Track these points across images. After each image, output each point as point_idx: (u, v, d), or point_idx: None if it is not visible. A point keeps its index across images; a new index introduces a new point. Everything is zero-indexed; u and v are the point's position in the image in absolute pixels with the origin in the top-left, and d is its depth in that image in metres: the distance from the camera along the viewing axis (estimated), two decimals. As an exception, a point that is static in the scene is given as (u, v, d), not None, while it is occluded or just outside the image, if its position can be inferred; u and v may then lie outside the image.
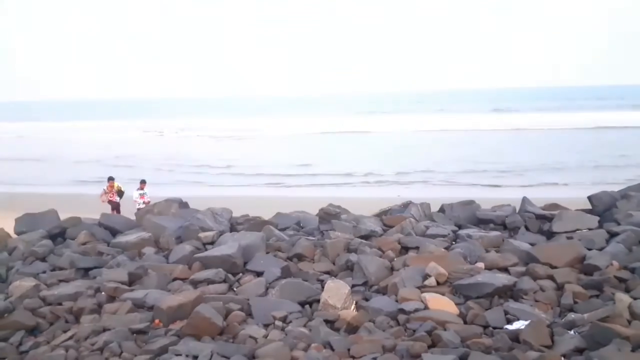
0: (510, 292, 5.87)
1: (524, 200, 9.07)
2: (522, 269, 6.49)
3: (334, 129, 42.08)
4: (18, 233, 8.84)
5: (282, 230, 8.92)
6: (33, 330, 5.45)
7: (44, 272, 7.16)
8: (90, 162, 27.74)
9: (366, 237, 8.11)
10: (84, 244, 8.24)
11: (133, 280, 6.64)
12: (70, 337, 5.16)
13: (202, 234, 8.32)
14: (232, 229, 9.10)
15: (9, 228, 9.00)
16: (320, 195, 15.92)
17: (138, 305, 5.86)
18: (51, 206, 10.04)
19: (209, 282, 6.58)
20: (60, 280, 6.73)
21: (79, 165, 26.50)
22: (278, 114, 70.01)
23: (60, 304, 5.92)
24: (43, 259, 7.61)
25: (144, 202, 11.10)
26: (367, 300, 5.99)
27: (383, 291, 6.26)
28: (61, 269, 7.27)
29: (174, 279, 6.81)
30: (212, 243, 8.13)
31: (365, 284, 6.56)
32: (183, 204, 10.20)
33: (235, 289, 6.57)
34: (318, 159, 26.46)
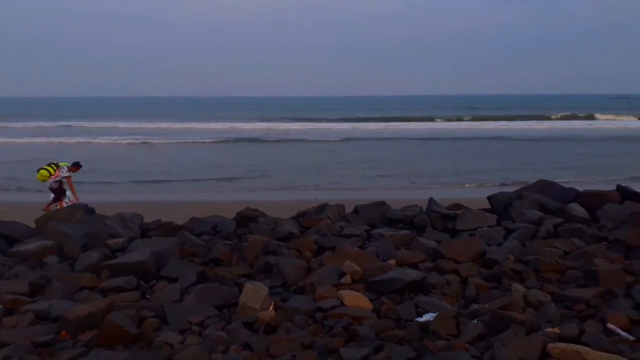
0: (419, 287, 6.20)
1: (431, 200, 9.63)
2: (430, 264, 6.89)
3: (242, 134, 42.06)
4: None
5: (197, 235, 8.73)
6: None
7: None
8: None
9: (284, 239, 8.17)
10: (-24, 254, 7.54)
11: (35, 291, 6.18)
12: (-37, 355, 4.71)
13: (110, 241, 7.93)
14: (144, 235, 8.76)
15: None
16: (235, 199, 15.81)
17: (41, 317, 5.48)
18: None
19: (120, 289, 6.30)
20: (-52, 295, 6.11)
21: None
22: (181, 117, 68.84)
23: (-52, 320, 5.38)
24: None
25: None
26: (285, 300, 6.06)
27: (301, 291, 6.36)
28: (-51, 282, 6.60)
29: (82, 288, 6.44)
30: (122, 250, 7.77)
31: (283, 285, 6.63)
32: (89, 210, 9.68)
33: (148, 296, 6.35)
34: (229, 162, 26.25)
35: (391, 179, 20.55)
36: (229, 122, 59.49)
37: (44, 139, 39.44)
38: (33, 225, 9.05)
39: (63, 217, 9.04)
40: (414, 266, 6.89)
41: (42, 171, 10.62)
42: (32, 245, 7.84)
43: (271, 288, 6.39)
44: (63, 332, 5.16)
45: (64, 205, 10.97)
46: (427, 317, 5.40)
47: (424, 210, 9.41)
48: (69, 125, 55.50)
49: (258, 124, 57.22)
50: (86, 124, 57.48)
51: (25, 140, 39.42)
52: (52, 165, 10.81)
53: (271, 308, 5.82)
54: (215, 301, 6.02)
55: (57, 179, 11.08)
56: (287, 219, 9.46)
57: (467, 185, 19.00)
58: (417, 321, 5.34)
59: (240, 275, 7.00)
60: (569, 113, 67.20)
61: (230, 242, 8.21)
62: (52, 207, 11.01)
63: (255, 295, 5.80)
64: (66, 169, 10.87)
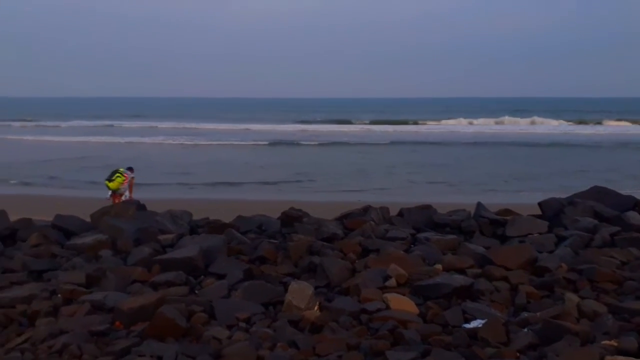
0: (467, 293, 6.08)
1: (479, 205, 9.42)
2: (478, 270, 6.75)
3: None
4: (-37, 235, 8.41)
5: (244, 233, 8.88)
6: (-16, 334, 5.20)
7: (-6, 275, 6.85)
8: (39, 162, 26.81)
9: (328, 239, 8.20)
10: (36, 245, 7.94)
11: (91, 282, 6.45)
12: (26, 340, 4.97)
13: (161, 237, 8.18)
14: (193, 231, 8.99)
15: (-46, 229, 8.57)
16: (280, 199, 16.00)
17: (97, 307, 5.71)
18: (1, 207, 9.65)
19: (170, 284, 6.48)
20: (13, 283, 6.46)
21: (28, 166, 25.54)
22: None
23: (13, 306, 5.69)
24: (-8, 261, 7.28)
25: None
26: (329, 301, 6.07)
27: (345, 292, 6.36)
28: (13, 271, 6.98)
29: (133, 282, 6.66)
30: (171, 246, 8.01)
31: (327, 285, 6.65)
32: (140, 206, 10.00)
33: (196, 292, 6.50)
34: (272, 164, 26.56)
35: (437, 183, 20.26)
36: (270, 123, 60.30)
37: (91, 138, 41.19)
38: (88, 220, 9.44)
39: (117, 212, 9.38)
40: (461, 272, 6.77)
41: (118, 179, 11.05)
42: (87, 239, 8.18)
43: (316, 288, 6.40)
44: (117, 323, 5.36)
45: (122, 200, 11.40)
46: (475, 323, 5.29)
47: (472, 215, 9.22)
48: (111, 125, 57.80)
49: (297, 125, 57.72)
50: (127, 124, 59.76)
51: (77, 139, 41.27)
52: (119, 173, 11.22)
53: (316, 307, 5.85)
54: (261, 298, 6.10)
55: (127, 184, 11.55)
56: (331, 220, 9.49)
57: (517, 191, 18.47)
58: (464, 327, 5.24)
59: (285, 274, 7.07)
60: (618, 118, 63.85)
61: (275, 241, 8.30)
62: (124, 198, 11.49)
63: (300, 295, 5.84)
64: (129, 173, 11.39)
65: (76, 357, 4.57)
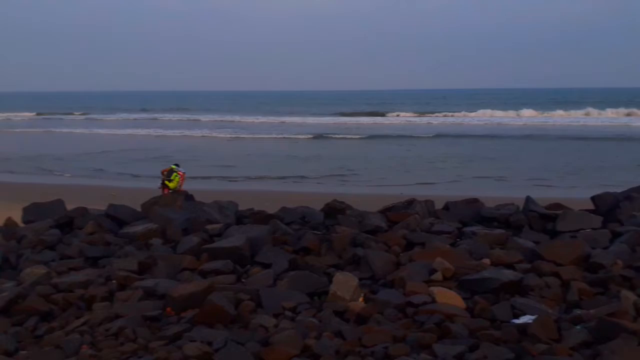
0: (516, 288, 5.94)
1: (528, 199, 9.15)
2: (527, 265, 6.58)
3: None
4: (26, 222, 8.89)
5: (288, 224, 8.98)
6: (46, 316, 5.49)
7: (53, 260, 7.21)
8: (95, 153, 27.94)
9: (372, 232, 8.17)
10: (92, 233, 8.29)
11: (143, 269, 6.69)
12: (84, 323, 5.22)
13: (209, 226, 8.38)
14: (239, 221, 9.16)
15: (17, 217, 9.06)
16: (323, 191, 16.06)
17: (149, 294, 5.92)
18: (55, 196, 10.14)
19: (218, 272, 6.65)
20: (70, 269, 6.79)
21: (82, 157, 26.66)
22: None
23: (71, 291, 5.97)
24: (52, 248, 7.65)
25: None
26: (374, 293, 6.07)
27: (390, 285, 6.34)
28: (70, 257, 7.33)
29: (183, 269, 6.87)
30: (219, 235, 8.18)
31: (372, 277, 6.65)
32: (188, 197, 10.27)
33: (243, 280, 6.64)
34: (316, 156, 26.65)
35: (485, 178, 19.79)
36: (310, 116, 60.41)
37: (139, 131, 42.54)
38: (139, 210, 9.77)
39: (166, 203, 9.67)
40: (509, 266, 6.61)
41: (176, 179, 11.20)
42: (139, 228, 8.47)
43: (360, 280, 6.42)
44: (168, 309, 5.54)
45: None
46: (524, 319, 5.16)
47: (521, 209, 8.98)
48: (155, 118, 59.44)
49: (337, 118, 57.61)
50: (171, 116, 61.33)
51: (125, 132, 42.71)
52: (175, 172, 11.35)
53: (361, 299, 5.86)
54: (307, 288, 6.16)
55: (183, 180, 11.77)
56: (374, 212, 9.45)
57: (570, 186, 17.76)
58: (513, 323, 5.13)
59: (329, 265, 7.11)
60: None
61: (319, 233, 8.35)
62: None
63: (345, 286, 5.87)
64: (180, 169, 11.61)
65: (131, 341, 4.76)
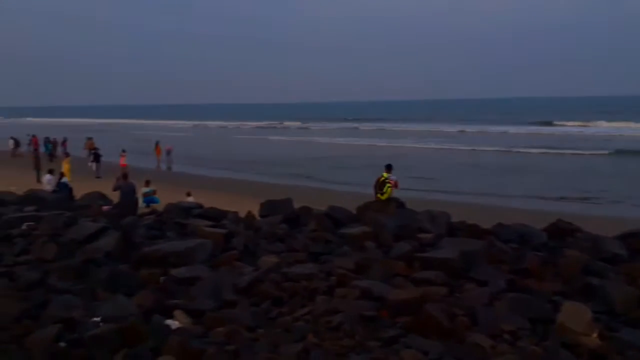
0: None
1: None
2: None
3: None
4: (262, 216, 10.15)
5: (505, 241, 8.42)
6: (277, 301, 6.13)
7: (283, 251, 8.04)
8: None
9: (608, 260, 7.15)
10: (314, 230, 9.02)
11: (359, 269, 6.99)
12: (308, 313, 5.67)
13: (420, 235, 8.38)
14: (450, 233, 8.95)
15: (255, 211, 10.42)
16: (541, 208, 14.73)
17: (364, 294, 6.14)
18: (286, 195, 11.33)
19: (430, 282, 6.56)
20: (297, 261, 7.46)
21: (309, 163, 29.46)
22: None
23: (297, 281, 6.55)
24: (282, 240, 8.54)
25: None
26: (613, 330, 5.27)
27: (632, 323, 5.43)
28: (296, 250, 8.08)
29: (396, 274, 6.97)
30: (430, 245, 8.11)
31: (608, 312, 5.79)
32: (400, 204, 10.45)
33: (457, 295, 6.43)
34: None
35: None
36: (503, 125, 55.85)
37: (356, 140, 45.00)
38: (354, 212, 10.30)
39: (379, 208, 10.00)
40: None
41: (389, 189, 11.30)
42: (354, 229, 8.91)
43: (594, 313, 5.64)
44: (383, 311, 5.67)
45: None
46: None
47: None
48: (384, 128, 61.84)
49: (541, 128, 52.20)
50: (370, 125, 63.09)
51: (343, 140, 45.63)
52: (387, 182, 11.40)
53: (595, 335, 5.14)
54: (528, 313, 5.66)
55: (395, 187, 11.94)
56: (610, 237, 8.25)
57: None
58: None
59: (554, 291, 6.42)
60: None
61: (541, 254, 7.63)
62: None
63: (576, 317, 5.22)
64: (392, 176, 11.70)
65: (349, 337, 5.00)
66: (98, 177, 22.79)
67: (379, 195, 11.04)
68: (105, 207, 11.50)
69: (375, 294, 6.08)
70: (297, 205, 10.44)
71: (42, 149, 31.19)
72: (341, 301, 5.93)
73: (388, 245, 8.32)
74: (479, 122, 64.55)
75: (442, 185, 21.31)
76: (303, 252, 7.97)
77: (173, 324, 5.05)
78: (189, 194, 15.25)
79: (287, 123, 78.93)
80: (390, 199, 10.63)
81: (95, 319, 4.88)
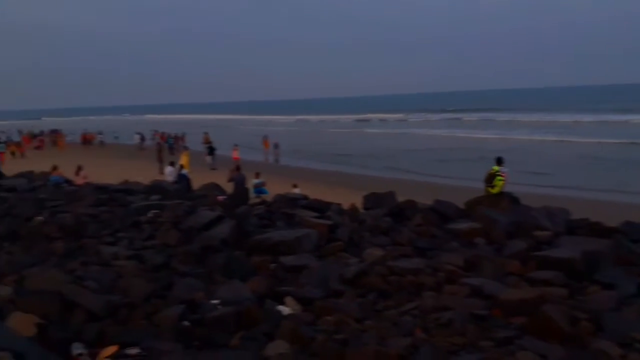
0: None
1: None
2: None
3: None
4: (365, 208, 10.18)
5: (634, 241, 7.65)
6: (383, 294, 6.12)
7: (387, 245, 8.00)
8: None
9: None
10: (419, 225, 8.86)
11: (468, 266, 6.76)
12: (415, 307, 5.59)
13: (537, 232, 7.88)
14: (570, 231, 8.32)
15: (358, 203, 10.48)
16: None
17: (475, 292, 5.92)
18: (389, 188, 11.25)
19: (548, 283, 6.15)
20: (402, 255, 7.39)
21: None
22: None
23: (403, 275, 6.49)
24: (386, 234, 8.50)
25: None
26: None
27: None
28: (401, 244, 8.00)
29: (509, 273, 6.63)
30: (547, 243, 7.61)
31: None
32: (514, 199, 9.91)
33: (578, 297, 5.96)
34: None
35: None
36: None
37: (459, 132, 43.30)
38: (463, 207, 9.95)
39: (490, 203, 9.56)
40: None
41: (499, 182, 10.63)
42: (463, 225, 8.62)
43: None
44: (495, 311, 5.42)
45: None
46: None
47: None
48: (458, 118, 59.07)
49: None
50: (477, 115, 59.91)
51: (438, 132, 44.17)
52: (498, 176, 10.70)
53: None
54: (664, 323, 5.10)
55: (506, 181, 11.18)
56: None
57: None
58: None
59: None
60: None
61: (679, 258, 6.83)
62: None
63: None
64: (503, 168, 11.09)
65: (460, 335, 4.85)
66: (213, 169, 24.30)
67: (489, 189, 10.45)
68: (220, 197, 12.22)
69: (487, 293, 5.84)
70: (400, 198, 10.32)
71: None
72: (450, 298, 5.78)
73: (500, 242, 7.95)
74: (593, 111, 58.86)
75: (560, 181, 19.84)
76: (408, 246, 7.88)
77: (284, 309, 5.25)
78: (295, 186, 15.75)
79: (384, 115, 78.11)
80: (502, 194, 10.09)
81: (214, 301, 5.21)
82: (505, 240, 7.86)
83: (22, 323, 4.15)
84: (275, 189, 15.17)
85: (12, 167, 21.84)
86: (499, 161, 11.18)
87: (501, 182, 10.51)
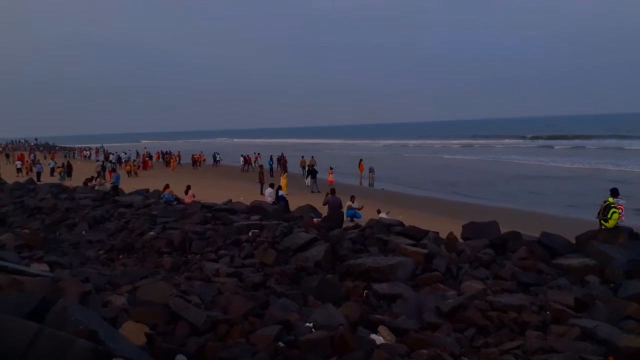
0: None
1: None
2: None
3: None
4: (464, 238, 9.78)
5: None
6: (482, 330, 5.80)
7: (488, 278, 7.60)
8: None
9: None
10: (524, 258, 8.34)
11: (579, 307, 6.21)
12: (518, 347, 5.23)
13: (661, 273, 7.08)
14: (703, 275, 7.37)
15: (456, 232, 10.09)
16: None
17: (586, 335, 5.42)
18: (490, 217, 10.72)
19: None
20: (504, 290, 6.98)
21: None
22: None
23: (505, 312, 6.11)
24: (486, 266, 8.10)
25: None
26: None
27: None
28: (502, 278, 7.56)
29: (627, 317, 6.00)
30: (674, 286, 6.79)
31: None
32: (633, 235, 9.00)
33: None
34: None
35: None
36: None
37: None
38: (573, 241, 9.21)
39: (605, 238, 8.77)
40: None
41: (615, 215, 9.72)
42: (574, 261, 7.98)
43: None
44: (610, 357, 4.92)
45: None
46: None
47: None
48: (551, 146, 54.53)
49: None
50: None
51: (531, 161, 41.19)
52: (613, 208, 9.73)
53: None
54: None
55: (623, 215, 10.19)
56: None
57: None
58: None
59: None
60: None
61: None
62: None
63: None
64: (620, 200, 10.07)
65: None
66: (313, 192, 24.72)
67: (603, 222, 9.54)
68: (315, 220, 12.42)
69: (600, 337, 5.33)
70: (502, 229, 9.79)
71: (266, 166, 35.29)
72: (558, 339, 5.35)
73: (617, 281, 7.26)
74: None
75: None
76: (511, 280, 7.43)
77: (377, 339, 5.15)
78: (379, 211, 15.30)
79: (468, 141, 74.73)
80: (618, 229, 9.18)
81: (308, 324, 5.25)
82: (622, 280, 7.15)
83: (134, 332, 4.46)
84: (368, 213, 15.09)
85: (129, 184, 23.93)
86: (614, 192, 10.20)
87: (617, 216, 9.52)
